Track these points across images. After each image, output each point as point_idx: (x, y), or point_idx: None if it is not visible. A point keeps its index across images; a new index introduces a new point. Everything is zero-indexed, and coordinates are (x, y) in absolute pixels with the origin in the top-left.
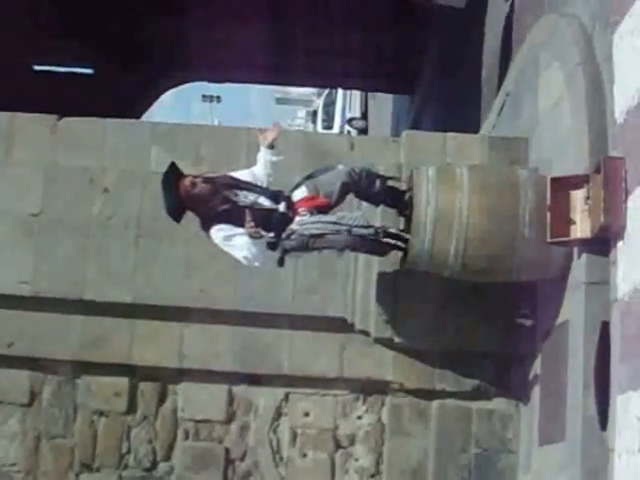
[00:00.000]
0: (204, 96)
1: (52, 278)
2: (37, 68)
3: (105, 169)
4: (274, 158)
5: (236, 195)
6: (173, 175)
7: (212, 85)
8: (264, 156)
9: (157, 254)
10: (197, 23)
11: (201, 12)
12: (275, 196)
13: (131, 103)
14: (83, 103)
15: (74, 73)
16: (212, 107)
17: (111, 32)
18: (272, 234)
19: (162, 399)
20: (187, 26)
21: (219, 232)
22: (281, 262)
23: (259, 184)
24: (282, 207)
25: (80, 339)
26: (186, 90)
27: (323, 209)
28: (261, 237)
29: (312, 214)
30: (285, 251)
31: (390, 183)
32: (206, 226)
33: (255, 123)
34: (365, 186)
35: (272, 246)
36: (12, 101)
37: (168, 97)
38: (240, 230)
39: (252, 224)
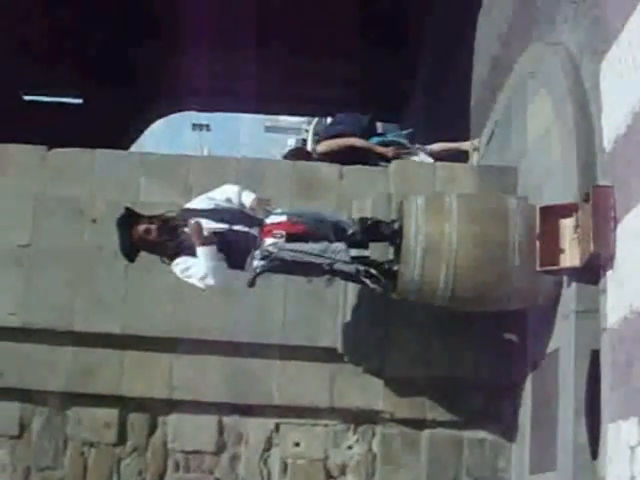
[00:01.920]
0: (194, 125)
1: (41, 309)
2: (27, 98)
3: (94, 200)
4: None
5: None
6: (128, 219)
7: (201, 114)
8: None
9: (146, 285)
10: (186, 53)
11: (191, 42)
12: (246, 220)
13: (121, 132)
14: (73, 133)
15: (64, 103)
16: (202, 135)
17: (101, 62)
18: (221, 255)
19: (152, 430)
20: (176, 56)
21: (176, 267)
22: (252, 283)
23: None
24: (254, 231)
25: (70, 370)
26: (177, 119)
27: (300, 236)
28: (212, 243)
29: (289, 239)
30: (258, 273)
31: (372, 221)
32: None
33: (245, 151)
34: (349, 235)
35: (239, 266)
36: (2, 131)
37: (159, 126)
38: (193, 259)
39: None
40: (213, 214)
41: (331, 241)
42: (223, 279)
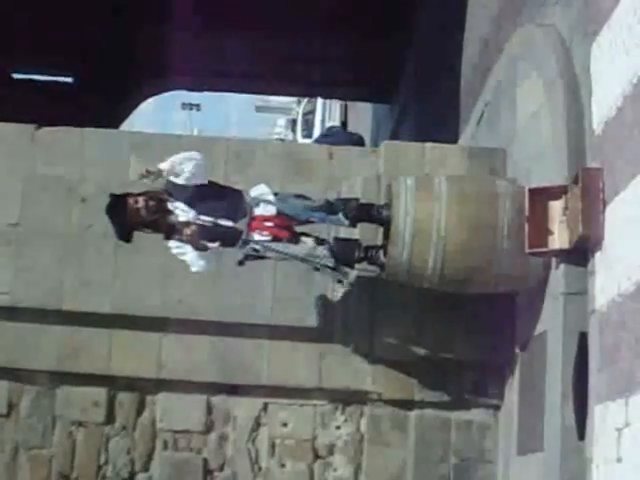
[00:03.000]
0: (183, 104)
1: (30, 288)
2: (16, 77)
3: (83, 179)
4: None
5: (180, 209)
6: (116, 203)
7: (192, 93)
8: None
9: (135, 264)
10: (176, 32)
11: (181, 21)
12: (233, 213)
13: (110, 111)
14: (63, 112)
15: (54, 82)
16: (191, 115)
17: (91, 41)
18: (217, 244)
19: (140, 409)
20: (166, 35)
21: (172, 247)
22: (241, 263)
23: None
24: (241, 225)
25: (58, 349)
26: (166, 98)
27: (284, 235)
28: (206, 249)
29: (274, 239)
30: (246, 256)
31: (364, 201)
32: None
33: (235, 131)
34: (341, 209)
35: (230, 243)
36: None
37: (148, 105)
38: (187, 247)
39: (190, 236)
40: (199, 203)
41: (318, 242)
42: (215, 265)
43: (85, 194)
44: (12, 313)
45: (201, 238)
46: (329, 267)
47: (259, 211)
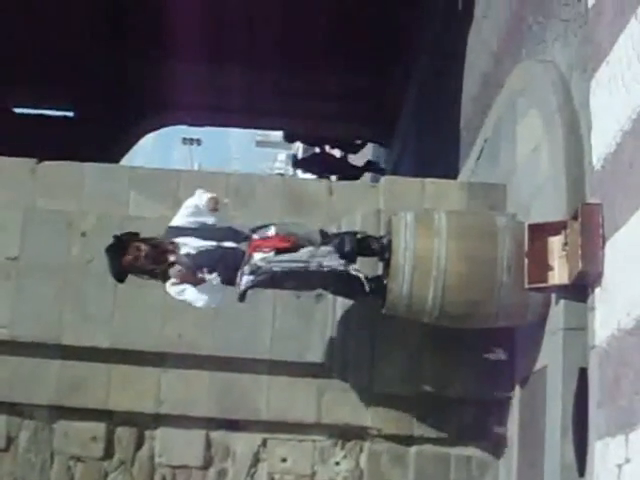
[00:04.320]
0: (184, 139)
1: (30, 322)
2: (18, 111)
3: (83, 213)
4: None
5: (184, 245)
6: (117, 247)
7: (192, 128)
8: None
9: (135, 299)
10: (177, 67)
11: (181, 56)
12: (234, 236)
13: (111, 146)
14: (64, 146)
15: (55, 116)
16: (192, 150)
17: (92, 75)
18: (215, 274)
19: (139, 444)
20: (167, 70)
21: (170, 289)
22: (242, 298)
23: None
24: (243, 246)
25: (57, 384)
26: (166, 133)
27: (289, 249)
28: (203, 281)
29: (276, 253)
30: (247, 287)
31: (361, 235)
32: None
33: (235, 166)
34: (337, 243)
35: (229, 282)
36: None
37: (148, 140)
38: (185, 285)
39: (179, 272)
40: (201, 232)
41: (318, 246)
42: (220, 300)
43: (85, 228)
44: (11, 347)
45: (202, 264)
46: (333, 261)
47: (258, 235)
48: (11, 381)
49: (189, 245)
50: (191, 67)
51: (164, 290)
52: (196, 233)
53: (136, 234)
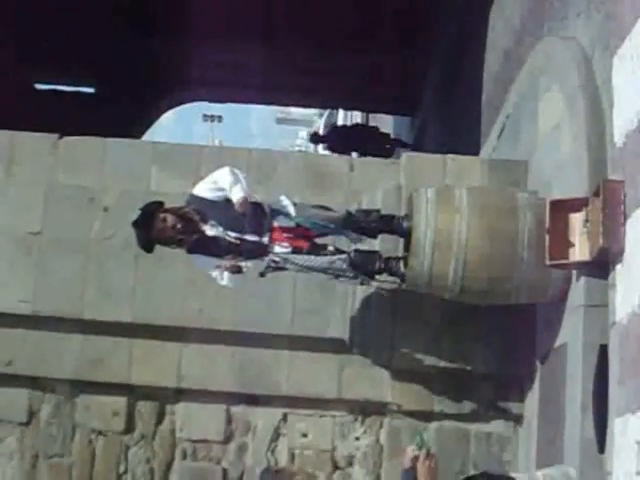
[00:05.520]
0: (205, 116)
1: (51, 297)
2: (38, 87)
3: (105, 188)
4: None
5: (209, 224)
6: (144, 220)
7: (213, 105)
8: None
9: (156, 274)
10: (198, 44)
11: (203, 33)
12: (257, 228)
13: (133, 122)
14: (84, 122)
15: (76, 92)
16: (213, 127)
17: (113, 52)
18: (249, 263)
19: (160, 419)
20: (188, 46)
21: (198, 262)
22: (262, 274)
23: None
24: (265, 239)
25: (79, 358)
26: (187, 110)
27: (304, 246)
28: (240, 271)
29: (294, 251)
30: (267, 267)
31: (384, 212)
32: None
33: (256, 143)
34: (362, 221)
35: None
36: (13, 120)
37: (169, 117)
38: (214, 262)
39: (231, 263)
40: (226, 218)
41: (338, 253)
42: (242, 280)
43: (107, 204)
44: (33, 322)
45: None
46: (349, 277)
47: (278, 222)
48: (33, 355)
49: (217, 230)
50: (212, 44)
51: (186, 264)
52: (220, 219)
53: (161, 203)
